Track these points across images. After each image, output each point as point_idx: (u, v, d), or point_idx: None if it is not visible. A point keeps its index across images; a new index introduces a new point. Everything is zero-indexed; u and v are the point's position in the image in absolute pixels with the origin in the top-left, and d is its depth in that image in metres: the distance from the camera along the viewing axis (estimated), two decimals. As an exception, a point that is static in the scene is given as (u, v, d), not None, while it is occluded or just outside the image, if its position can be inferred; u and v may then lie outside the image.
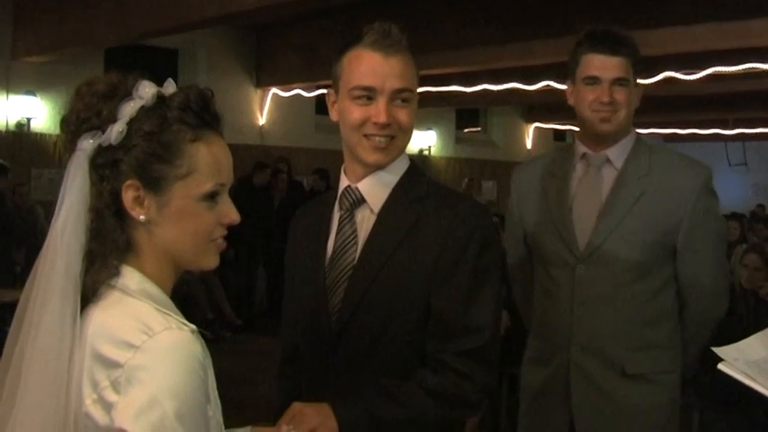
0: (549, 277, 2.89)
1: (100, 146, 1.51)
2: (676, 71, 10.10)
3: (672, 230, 2.75)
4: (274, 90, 12.96)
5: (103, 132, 1.51)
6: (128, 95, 1.53)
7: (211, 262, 1.62)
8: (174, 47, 12.38)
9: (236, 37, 12.55)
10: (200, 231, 1.56)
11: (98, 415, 1.42)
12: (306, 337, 2.19)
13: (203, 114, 1.56)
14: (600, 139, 2.81)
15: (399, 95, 2.05)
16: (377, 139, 2.06)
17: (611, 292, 2.76)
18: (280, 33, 12.09)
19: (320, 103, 13.57)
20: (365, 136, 2.06)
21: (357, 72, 2.05)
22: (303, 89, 12.93)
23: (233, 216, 1.60)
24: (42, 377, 1.43)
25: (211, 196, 1.55)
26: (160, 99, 1.54)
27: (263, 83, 12.79)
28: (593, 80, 2.74)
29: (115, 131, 1.50)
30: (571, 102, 2.85)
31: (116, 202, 1.52)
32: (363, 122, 2.05)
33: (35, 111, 10.66)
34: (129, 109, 1.51)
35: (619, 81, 2.72)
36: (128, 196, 1.51)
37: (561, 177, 2.89)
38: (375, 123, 2.03)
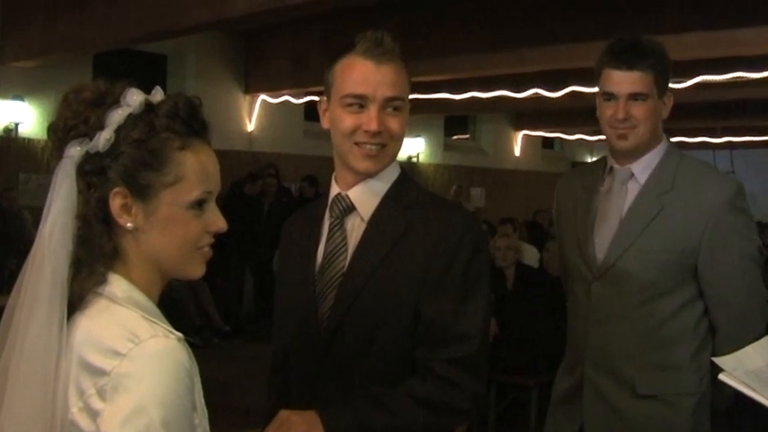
0: (572, 292, 2.86)
1: (87, 153, 1.51)
2: (664, 79, 10.10)
3: (690, 250, 2.63)
4: (263, 96, 12.95)
5: (91, 139, 1.50)
6: (115, 103, 1.52)
7: (198, 271, 1.61)
8: (162, 53, 12.36)
9: (225, 43, 12.54)
10: (187, 239, 1.55)
11: (84, 423, 1.41)
12: (295, 344, 2.19)
13: (191, 122, 1.56)
14: (622, 154, 2.74)
15: (391, 104, 2.05)
16: (368, 146, 2.05)
17: (624, 312, 2.69)
18: (269, 40, 12.08)
19: (309, 110, 13.57)
20: (356, 144, 2.06)
21: (349, 80, 2.05)
22: (292, 96, 12.93)
23: (220, 224, 1.59)
24: (29, 385, 1.42)
25: (199, 204, 1.55)
26: (148, 107, 1.53)
27: (251, 89, 12.79)
28: (610, 96, 2.66)
29: (103, 138, 1.49)
30: (597, 114, 2.76)
31: (103, 209, 1.51)
32: (354, 130, 2.05)
33: (23, 116, 10.62)
34: (116, 116, 1.51)
35: (635, 96, 2.62)
36: (115, 204, 1.51)
37: (590, 191, 2.83)
38: (366, 131, 2.03)
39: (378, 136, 2.04)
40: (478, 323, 2.05)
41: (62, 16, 9.13)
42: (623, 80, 2.63)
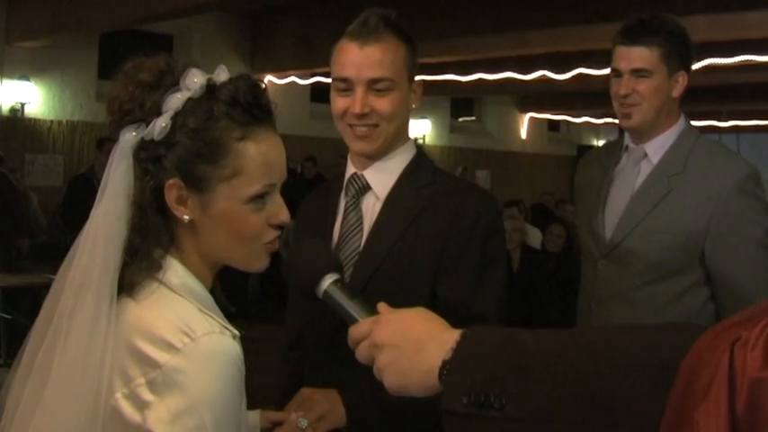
0: (582, 269, 2.88)
1: (143, 139, 1.43)
2: (671, 62, 10.06)
3: (697, 234, 2.59)
4: (269, 77, 12.93)
5: (147, 125, 1.43)
6: (175, 84, 1.44)
7: (261, 264, 1.56)
8: (169, 33, 12.34)
9: (231, 24, 12.52)
10: (246, 234, 1.50)
11: (127, 411, 1.37)
12: (309, 324, 2.19)
13: (252, 109, 1.47)
14: (634, 133, 2.73)
15: (376, 85, 2.05)
16: (358, 128, 2.07)
17: (626, 291, 2.68)
18: (275, 20, 12.06)
19: (315, 91, 13.57)
20: (349, 125, 2.08)
21: (337, 63, 2.07)
22: (298, 77, 12.91)
23: (282, 217, 1.52)
24: (74, 368, 1.38)
25: (260, 197, 1.48)
26: (209, 89, 1.45)
27: (258, 70, 12.76)
28: (616, 72, 2.66)
29: (158, 126, 1.42)
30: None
31: (159, 198, 1.45)
32: (344, 113, 2.07)
33: (29, 96, 10.65)
34: (174, 101, 1.43)
35: (639, 72, 2.61)
36: (170, 195, 1.44)
37: (606, 168, 2.83)
38: (353, 114, 2.05)
39: (365, 117, 2.05)
40: (495, 303, 2.05)
41: (68, -4, 9.13)
42: (627, 56, 2.63)
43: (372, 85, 2.04)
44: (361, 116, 2.04)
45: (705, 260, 2.64)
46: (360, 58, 2.03)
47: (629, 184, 2.74)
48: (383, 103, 2.05)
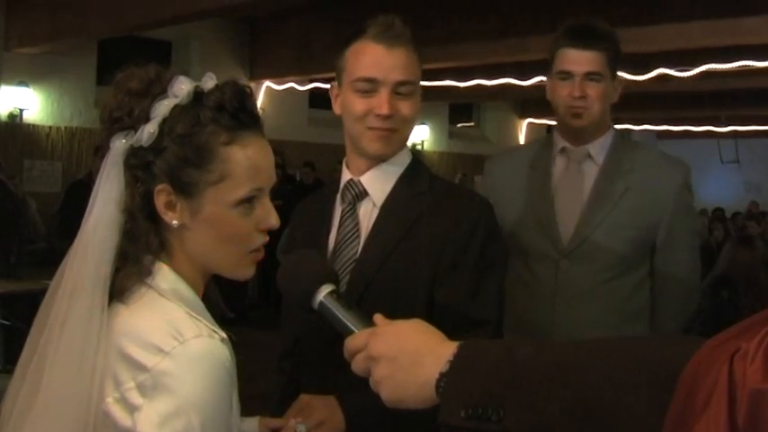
0: (529, 272, 2.86)
1: (132, 146, 1.46)
2: (670, 68, 10.10)
3: (654, 226, 2.74)
4: (268, 83, 12.95)
5: (136, 132, 1.45)
6: (163, 92, 1.46)
7: (248, 271, 1.57)
8: (167, 39, 12.36)
9: (229, 30, 12.53)
10: (234, 239, 1.51)
11: (119, 415, 1.39)
12: (306, 331, 2.18)
13: (239, 114, 1.49)
14: (576, 134, 2.79)
15: (401, 87, 2.05)
16: (378, 130, 2.06)
17: (593, 288, 2.74)
18: (274, 26, 12.07)
19: (313, 97, 13.57)
20: (368, 128, 2.07)
21: (360, 64, 2.06)
22: (296, 82, 12.92)
23: (272, 221, 1.53)
24: (66, 373, 1.39)
25: (248, 201, 1.49)
26: (197, 96, 1.48)
27: (256, 76, 12.77)
28: (566, 75, 2.71)
29: (146, 133, 1.44)
30: (548, 96, 2.83)
31: (149, 204, 1.47)
32: (366, 114, 2.05)
33: (28, 102, 10.65)
34: (162, 108, 1.45)
35: (591, 75, 2.68)
36: (159, 200, 1.47)
37: (542, 171, 2.87)
38: (378, 115, 2.04)
39: (389, 120, 2.05)
40: (493, 308, 2.06)
41: (67, 3, 9.12)
42: (580, 59, 2.69)
43: (397, 88, 2.05)
44: (387, 117, 2.04)
45: (655, 251, 2.78)
46: (388, 60, 2.04)
47: (577, 184, 2.81)
48: (406, 107, 2.07)
